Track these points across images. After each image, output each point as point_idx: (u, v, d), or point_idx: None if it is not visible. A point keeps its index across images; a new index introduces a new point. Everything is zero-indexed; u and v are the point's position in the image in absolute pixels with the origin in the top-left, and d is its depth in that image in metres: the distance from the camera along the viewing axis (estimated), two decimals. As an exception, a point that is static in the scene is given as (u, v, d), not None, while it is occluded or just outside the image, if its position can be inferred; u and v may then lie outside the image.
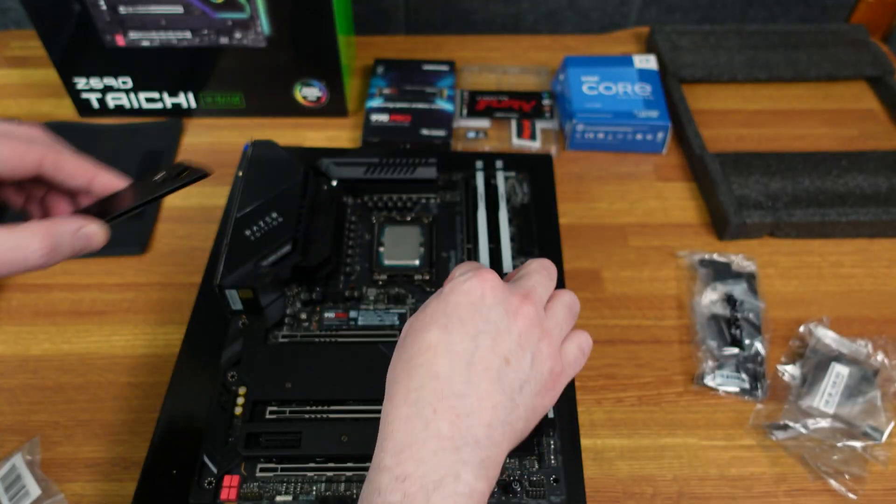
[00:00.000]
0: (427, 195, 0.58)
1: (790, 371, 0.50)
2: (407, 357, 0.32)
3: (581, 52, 0.74)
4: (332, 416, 0.44)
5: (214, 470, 0.42)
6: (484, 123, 0.68)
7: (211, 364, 0.47)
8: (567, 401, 0.46)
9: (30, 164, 0.33)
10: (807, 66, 0.72)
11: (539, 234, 0.55)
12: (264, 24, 0.60)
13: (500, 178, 0.58)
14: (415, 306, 0.51)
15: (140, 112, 0.68)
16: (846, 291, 0.56)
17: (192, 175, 0.35)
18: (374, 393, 0.45)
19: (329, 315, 0.50)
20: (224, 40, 0.62)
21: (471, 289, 0.33)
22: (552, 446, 0.44)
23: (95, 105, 0.67)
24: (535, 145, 0.65)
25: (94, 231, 0.33)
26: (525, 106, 0.69)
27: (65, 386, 0.49)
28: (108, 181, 0.36)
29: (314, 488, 0.42)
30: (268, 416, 0.44)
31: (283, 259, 0.49)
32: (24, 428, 0.47)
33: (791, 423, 0.47)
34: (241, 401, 0.44)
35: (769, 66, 0.72)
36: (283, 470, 0.42)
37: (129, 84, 0.66)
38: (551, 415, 0.45)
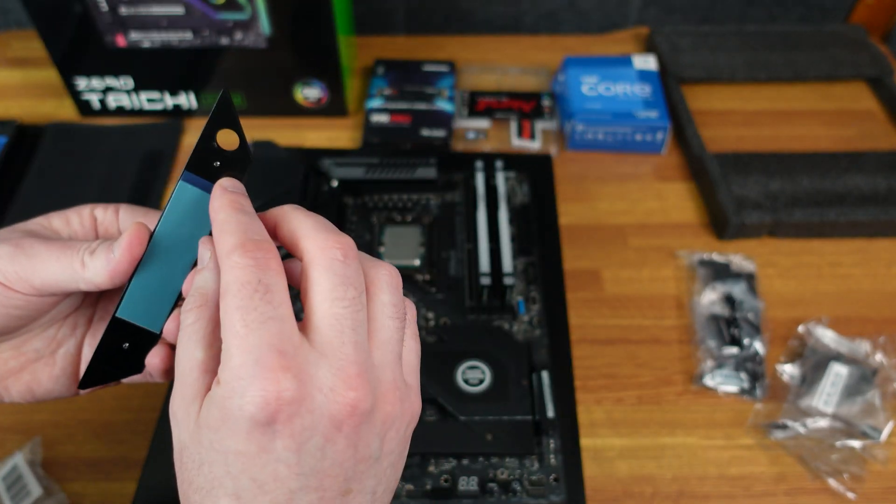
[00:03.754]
0: (427, 195, 0.58)
1: (789, 371, 0.50)
2: None
3: (581, 53, 0.75)
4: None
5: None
6: (484, 124, 0.68)
7: (212, 364, 0.47)
8: (567, 401, 0.47)
9: (155, 217, 0.29)
10: (806, 66, 0.72)
11: (539, 234, 0.56)
12: (265, 25, 0.60)
13: (500, 178, 0.58)
14: (416, 305, 0.51)
15: (141, 113, 0.68)
16: (845, 291, 0.56)
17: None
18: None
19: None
20: (225, 41, 0.62)
21: (255, 424, 0.22)
22: (552, 446, 0.44)
23: (96, 105, 0.68)
24: (535, 145, 0.66)
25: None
26: (525, 106, 0.69)
27: (66, 385, 0.49)
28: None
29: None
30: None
31: (285, 259, 0.49)
32: (25, 427, 0.47)
33: (790, 423, 0.47)
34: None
35: (768, 66, 0.72)
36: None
37: (131, 84, 0.66)
38: (551, 415, 0.45)
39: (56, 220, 0.30)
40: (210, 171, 0.27)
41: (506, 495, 0.42)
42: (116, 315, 0.28)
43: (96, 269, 0.27)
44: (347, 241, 0.26)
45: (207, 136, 0.27)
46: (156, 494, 0.41)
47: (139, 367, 0.29)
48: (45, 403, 0.48)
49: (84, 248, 0.27)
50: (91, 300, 0.32)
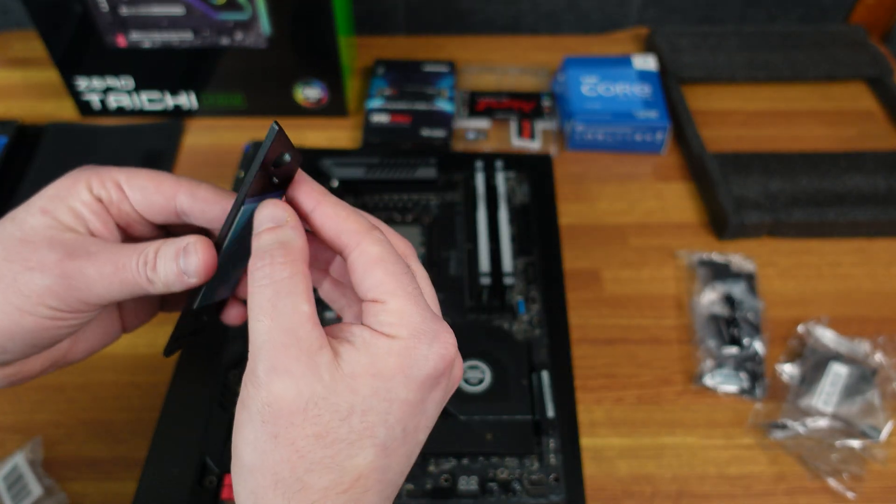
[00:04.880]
0: (427, 195, 0.58)
1: (789, 370, 0.50)
2: (315, 484, 0.23)
3: (581, 53, 0.75)
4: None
5: (215, 469, 0.42)
6: (484, 124, 0.68)
7: (211, 363, 0.47)
8: (566, 400, 0.47)
9: (168, 191, 0.29)
10: (806, 66, 0.72)
11: (539, 234, 0.56)
12: (265, 25, 0.60)
13: (500, 178, 0.58)
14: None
15: (142, 113, 0.68)
16: (845, 291, 0.56)
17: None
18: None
19: (329, 314, 0.50)
20: (225, 41, 0.62)
21: (433, 375, 0.25)
22: (552, 445, 0.44)
23: (97, 105, 0.68)
24: (535, 145, 0.66)
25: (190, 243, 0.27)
26: (525, 106, 0.69)
27: (66, 385, 0.49)
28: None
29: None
30: (268, 416, 0.44)
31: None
32: (25, 427, 0.47)
33: (790, 423, 0.47)
34: (241, 400, 0.45)
35: (768, 66, 0.72)
36: (283, 469, 0.42)
37: (131, 85, 0.66)
38: (551, 414, 0.45)
39: (64, 215, 0.28)
40: (269, 186, 0.27)
41: (506, 495, 0.42)
42: (194, 308, 0.29)
43: (167, 282, 0.27)
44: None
45: (265, 169, 0.26)
46: (156, 494, 0.42)
47: (215, 323, 0.32)
48: (45, 403, 0.49)
49: (140, 263, 0.27)
50: None
